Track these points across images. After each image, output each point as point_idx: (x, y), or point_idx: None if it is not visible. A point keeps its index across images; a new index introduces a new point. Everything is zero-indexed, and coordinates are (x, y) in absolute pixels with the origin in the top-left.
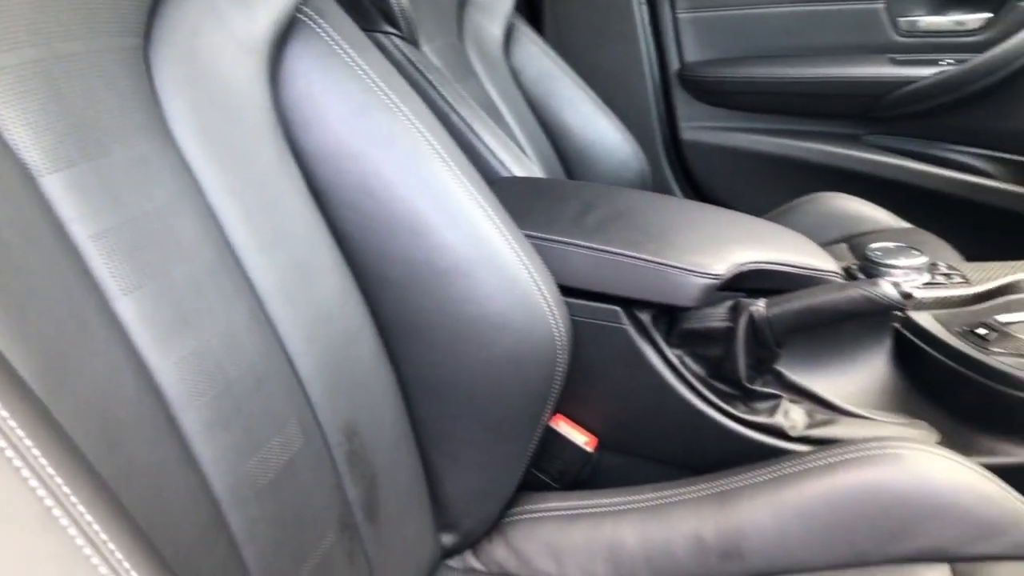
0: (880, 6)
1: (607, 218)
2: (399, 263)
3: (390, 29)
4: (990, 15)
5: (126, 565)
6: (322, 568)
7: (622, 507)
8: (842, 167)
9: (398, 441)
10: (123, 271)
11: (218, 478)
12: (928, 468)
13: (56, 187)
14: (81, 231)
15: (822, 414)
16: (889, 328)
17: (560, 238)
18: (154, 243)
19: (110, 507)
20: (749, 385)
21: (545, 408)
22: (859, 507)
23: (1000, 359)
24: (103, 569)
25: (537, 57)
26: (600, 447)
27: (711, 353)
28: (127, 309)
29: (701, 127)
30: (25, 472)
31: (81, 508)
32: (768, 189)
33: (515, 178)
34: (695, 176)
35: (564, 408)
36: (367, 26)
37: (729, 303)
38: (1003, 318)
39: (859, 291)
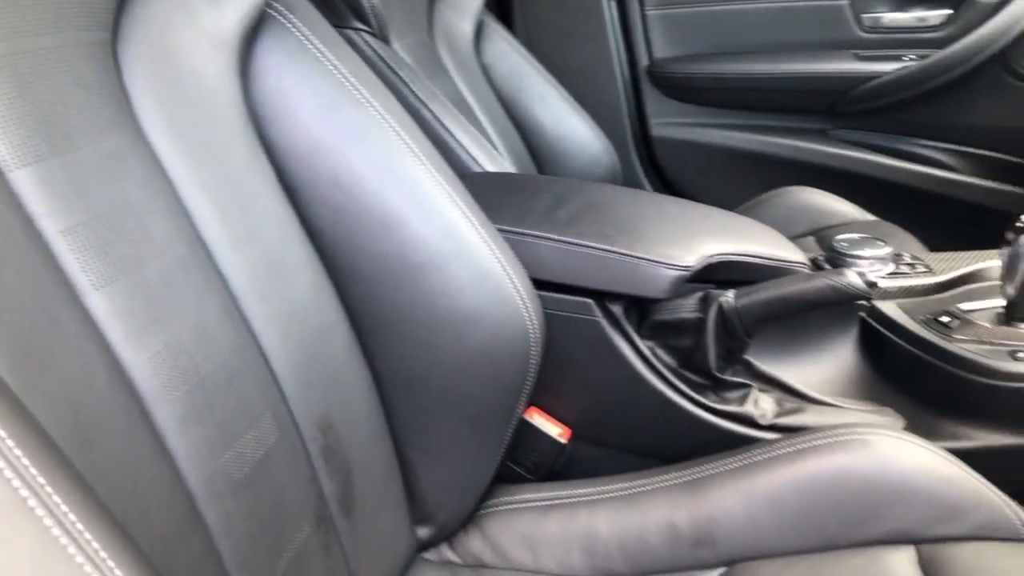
0: (844, 3)
1: (578, 212)
2: (372, 258)
3: (360, 25)
4: (950, 11)
5: (103, 555)
6: (298, 561)
7: (596, 497)
8: (809, 161)
9: (373, 435)
10: (94, 266)
11: (193, 472)
12: (894, 453)
13: (25, 182)
14: (51, 226)
15: (791, 402)
16: (855, 317)
17: (532, 232)
18: (125, 238)
19: (86, 499)
20: (719, 375)
21: (519, 400)
22: (827, 492)
23: (962, 346)
24: (80, 559)
25: (508, 54)
26: (574, 438)
27: (682, 344)
28: (99, 304)
29: (671, 123)
30: (0, 463)
31: (57, 499)
32: (737, 184)
33: (487, 173)
34: (665, 172)
35: (538, 400)
36: (337, 22)
37: (699, 294)
38: (965, 306)
39: (825, 281)
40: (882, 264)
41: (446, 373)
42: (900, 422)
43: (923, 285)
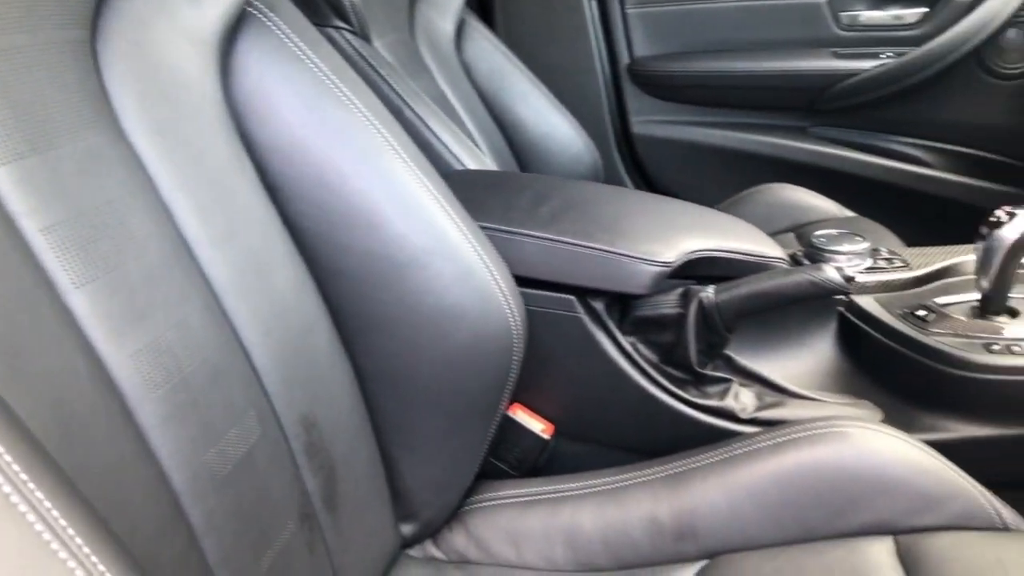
0: (822, 1)
1: (560, 209)
2: (356, 255)
3: (341, 24)
4: (926, 10)
5: (86, 551)
6: (282, 558)
7: (579, 492)
8: (788, 158)
9: (356, 432)
10: (75, 264)
11: (176, 470)
12: (872, 445)
13: (5, 180)
14: (31, 224)
15: (771, 396)
16: (834, 312)
17: (515, 229)
18: (106, 237)
19: (70, 496)
20: (700, 370)
21: (502, 397)
22: (807, 484)
23: (939, 339)
24: (63, 555)
25: (489, 52)
26: (557, 434)
27: (663, 339)
28: (80, 303)
29: (652, 121)
30: None
31: (40, 495)
32: (718, 181)
33: (469, 171)
34: (647, 169)
35: (521, 397)
36: (318, 21)
37: (680, 290)
38: (941, 300)
39: (804, 276)
40: (860, 259)
41: (429, 370)
42: (878, 415)
43: (900, 280)
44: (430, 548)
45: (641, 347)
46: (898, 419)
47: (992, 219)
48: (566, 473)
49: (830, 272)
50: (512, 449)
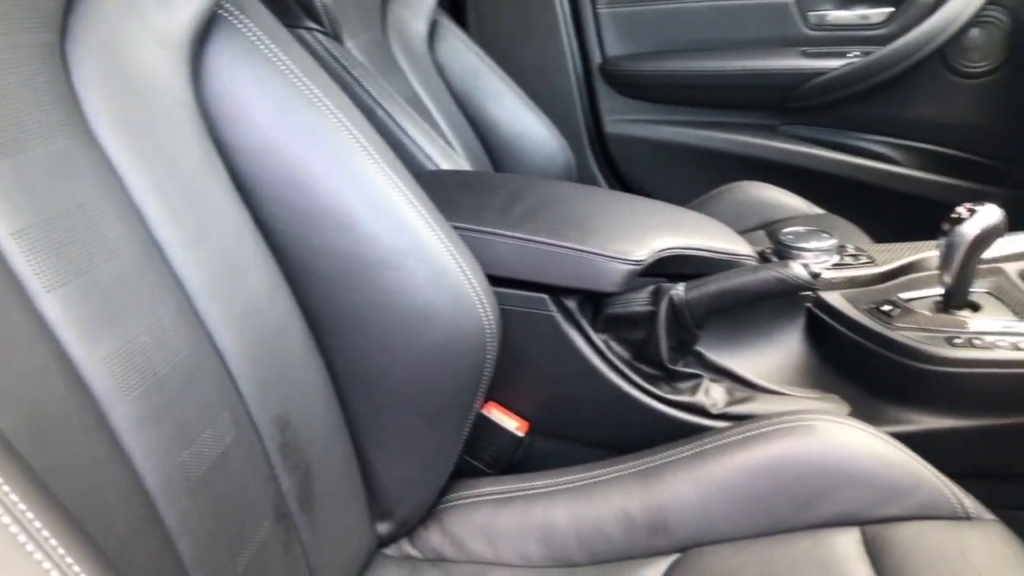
0: (791, 1)
1: (533, 208)
2: (328, 257)
3: (313, 25)
4: (892, 9)
5: (61, 552)
6: (258, 558)
7: (553, 488)
8: (759, 156)
9: (331, 432)
10: (46, 268)
11: (151, 471)
12: (839, 438)
13: None
14: (1, 229)
15: (741, 391)
16: (802, 308)
17: (487, 229)
18: (77, 240)
19: (44, 498)
20: (672, 366)
21: (476, 396)
22: (775, 477)
23: (903, 333)
24: (38, 556)
25: (462, 52)
26: (531, 431)
27: (635, 336)
28: (52, 306)
29: (624, 120)
30: None
31: (15, 497)
32: (690, 179)
33: (442, 171)
34: (619, 168)
35: (495, 395)
36: (290, 22)
37: (651, 288)
38: (905, 295)
39: (771, 273)
40: (827, 255)
41: (403, 370)
42: (845, 408)
43: (866, 275)
44: (406, 547)
45: (613, 344)
46: (865, 412)
47: (953, 216)
48: (541, 470)
49: (796, 269)
50: (487, 447)
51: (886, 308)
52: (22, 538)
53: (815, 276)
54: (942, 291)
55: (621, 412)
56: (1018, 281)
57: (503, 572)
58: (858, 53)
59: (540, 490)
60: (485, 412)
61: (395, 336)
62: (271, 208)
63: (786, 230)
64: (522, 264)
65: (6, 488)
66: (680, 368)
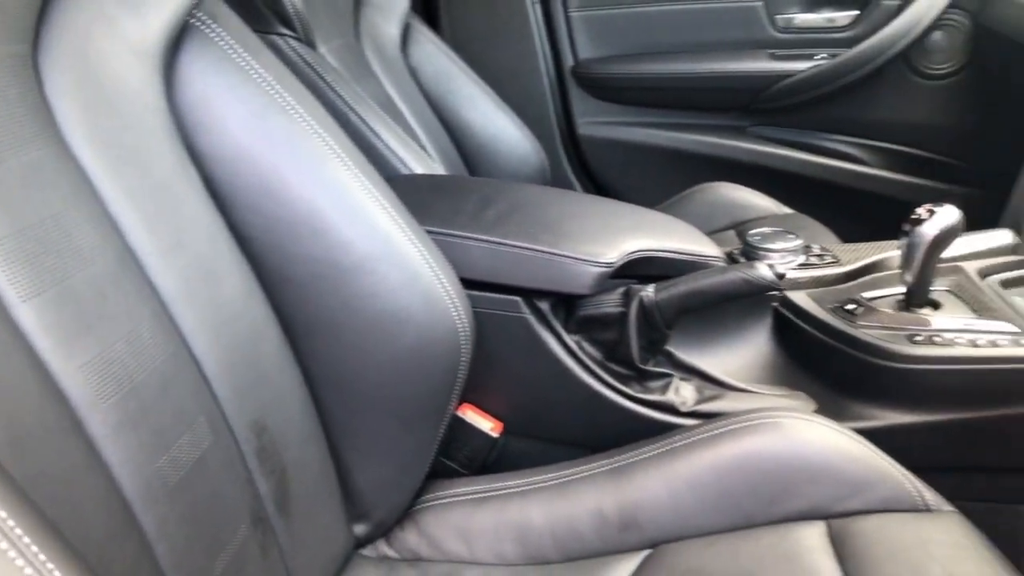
0: (759, 4)
1: (505, 212)
2: (303, 262)
3: (285, 31)
4: (857, 12)
5: (42, 558)
6: (236, 562)
7: (527, 488)
8: (729, 158)
9: (307, 436)
10: (21, 278)
11: (128, 478)
12: (804, 435)
13: None
14: None
15: (710, 390)
16: (769, 307)
17: (461, 232)
18: (52, 250)
19: (22, 503)
20: (642, 366)
21: (451, 398)
22: (743, 473)
23: (866, 331)
24: (20, 562)
25: (435, 56)
26: (505, 432)
27: (606, 337)
28: (27, 316)
29: (596, 122)
30: None
31: None
32: (662, 180)
33: (415, 175)
34: (592, 169)
35: (470, 397)
36: (262, 28)
37: (621, 289)
38: (868, 294)
39: (738, 274)
40: (792, 256)
41: (378, 373)
42: (811, 405)
43: (831, 275)
44: (383, 547)
45: (586, 345)
46: (830, 408)
47: (913, 217)
48: (515, 470)
49: (762, 270)
50: (462, 448)
51: (850, 307)
52: (3, 544)
53: (780, 276)
54: (904, 290)
55: (593, 411)
56: (977, 279)
57: (479, 571)
58: (825, 55)
59: (514, 490)
60: (460, 414)
61: (369, 340)
62: (245, 215)
63: (753, 231)
64: (495, 267)
65: None
66: (651, 368)
